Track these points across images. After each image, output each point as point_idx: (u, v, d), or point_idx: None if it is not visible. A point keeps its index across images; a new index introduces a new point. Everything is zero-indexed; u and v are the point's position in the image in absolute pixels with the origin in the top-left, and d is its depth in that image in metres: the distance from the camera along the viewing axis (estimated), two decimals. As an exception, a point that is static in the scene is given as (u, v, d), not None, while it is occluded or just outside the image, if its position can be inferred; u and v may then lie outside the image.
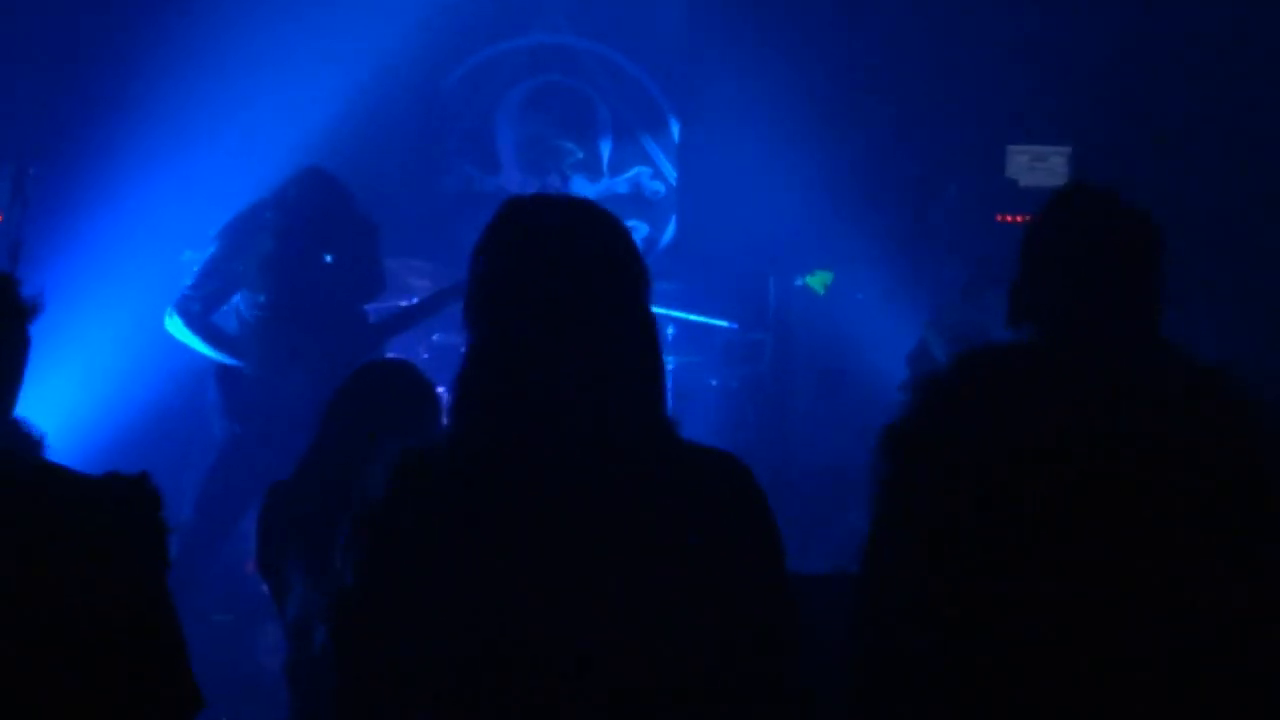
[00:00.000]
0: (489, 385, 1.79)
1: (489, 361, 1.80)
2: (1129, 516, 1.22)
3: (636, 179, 7.40)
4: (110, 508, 1.21)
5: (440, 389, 5.61)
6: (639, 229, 7.35)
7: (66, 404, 4.76)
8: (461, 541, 1.73)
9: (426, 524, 1.75)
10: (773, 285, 6.77)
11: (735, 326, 6.63)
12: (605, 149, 7.38)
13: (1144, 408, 1.28)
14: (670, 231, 7.39)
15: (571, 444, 1.74)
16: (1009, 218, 5.94)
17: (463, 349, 1.85)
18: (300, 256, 4.46)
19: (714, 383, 6.58)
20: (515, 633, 1.70)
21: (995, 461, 1.28)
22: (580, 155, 7.35)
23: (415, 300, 5.82)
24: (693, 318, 6.38)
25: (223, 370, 4.56)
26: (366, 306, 4.81)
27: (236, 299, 4.56)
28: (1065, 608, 1.20)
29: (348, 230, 4.55)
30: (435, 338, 5.93)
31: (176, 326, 4.54)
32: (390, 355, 5.30)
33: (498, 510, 1.73)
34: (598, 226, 1.84)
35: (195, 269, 4.61)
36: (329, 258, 4.50)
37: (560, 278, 1.76)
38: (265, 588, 5.51)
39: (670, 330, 6.23)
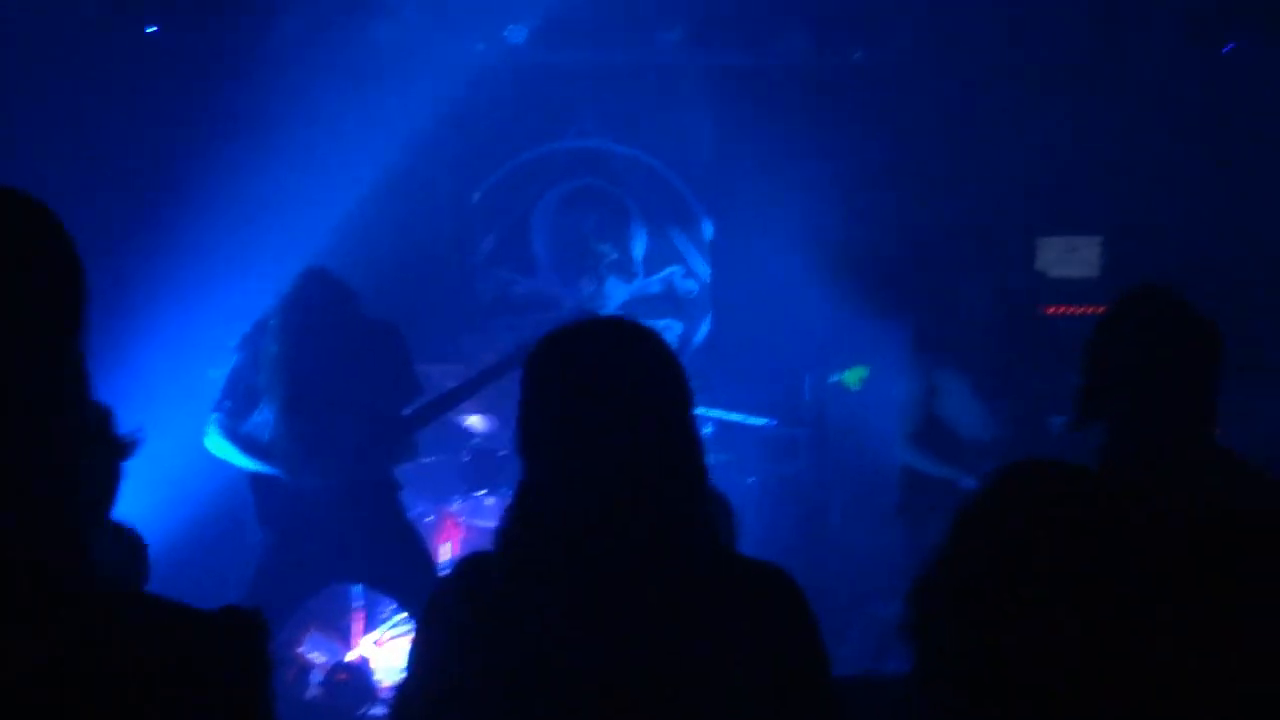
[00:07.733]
0: (541, 514, 1.83)
1: (539, 491, 1.84)
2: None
3: (670, 278, 7.49)
4: (233, 644, 1.25)
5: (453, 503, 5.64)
6: (673, 327, 7.42)
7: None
8: (511, 648, 1.77)
9: (476, 628, 1.81)
10: (808, 381, 6.80)
11: (773, 423, 6.65)
12: (639, 249, 7.48)
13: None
14: (704, 329, 7.46)
15: (622, 564, 1.78)
16: (1051, 309, 5.96)
17: (500, 453, 1.90)
18: (299, 351, 4.48)
19: (752, 480, 6.57)
20: None
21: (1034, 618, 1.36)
22: (615, 256, 7.44)
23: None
24: (730, 416, 6.39)
25: (255, 478, 4.59)
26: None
27: (265, 409, 4.59)
28: None
29: (351, 327, 4.57)
30: (475, 442, 5.97)
31: (215, 443, 4.58)
32: (430, 459, 5.25)
33: (550, 622, 1.78)
34: (636, 349, 1.87)
35: (221, 384, 4.67)
36: (331, 351, 4.51)
37: (601, 407, 1.81)
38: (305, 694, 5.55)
39: (708, 429, 6.25)
